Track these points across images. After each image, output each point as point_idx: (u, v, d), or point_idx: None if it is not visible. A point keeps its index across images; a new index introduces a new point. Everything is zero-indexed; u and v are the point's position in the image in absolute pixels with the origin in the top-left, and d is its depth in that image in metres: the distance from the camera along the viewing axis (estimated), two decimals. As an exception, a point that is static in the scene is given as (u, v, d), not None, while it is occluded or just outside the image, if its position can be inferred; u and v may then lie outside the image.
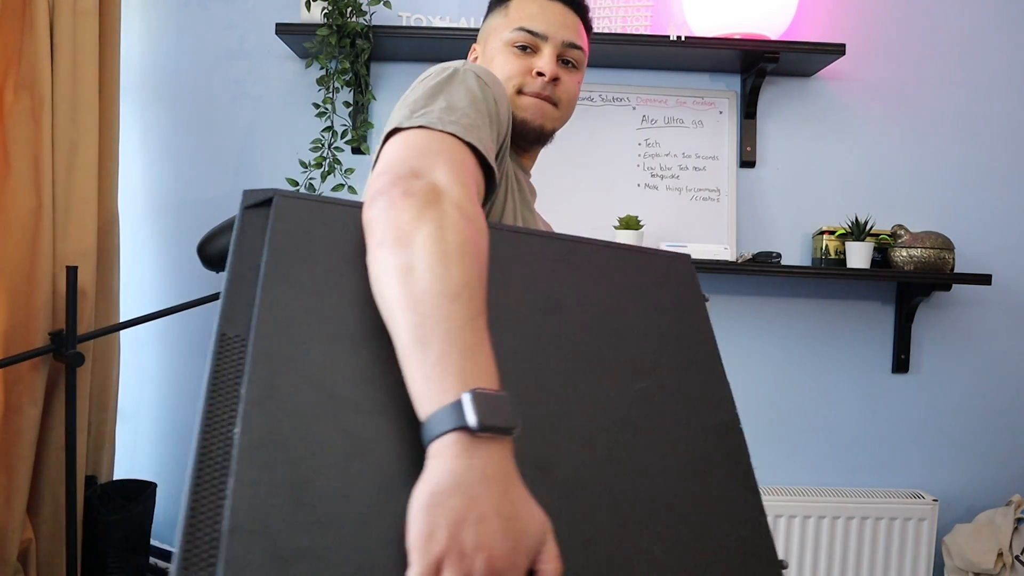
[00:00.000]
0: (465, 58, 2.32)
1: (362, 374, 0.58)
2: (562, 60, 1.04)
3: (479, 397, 0.54)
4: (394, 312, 0.59)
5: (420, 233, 0.62)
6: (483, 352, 0.59)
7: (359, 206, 0.68)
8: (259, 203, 0.65)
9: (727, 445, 0.71)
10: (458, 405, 0.54)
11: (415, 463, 0.55)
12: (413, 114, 0.76)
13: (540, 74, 1.01)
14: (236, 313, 0.57)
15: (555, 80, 1.02)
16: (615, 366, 0.71)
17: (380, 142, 0.76)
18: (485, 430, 0.54)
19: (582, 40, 1.07)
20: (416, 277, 0.59)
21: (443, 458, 0.53)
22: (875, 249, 2.04)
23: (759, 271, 1.98)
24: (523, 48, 1.03)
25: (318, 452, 0.53)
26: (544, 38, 1.02)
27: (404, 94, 0.84)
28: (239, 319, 0.57)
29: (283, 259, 0.61)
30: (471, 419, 0.53)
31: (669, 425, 0.69)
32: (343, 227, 0.66)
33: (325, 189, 2.03)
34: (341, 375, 0.57)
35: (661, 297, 0.79)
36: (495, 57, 1.05)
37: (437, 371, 0.56)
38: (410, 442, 0.56)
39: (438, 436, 0.54)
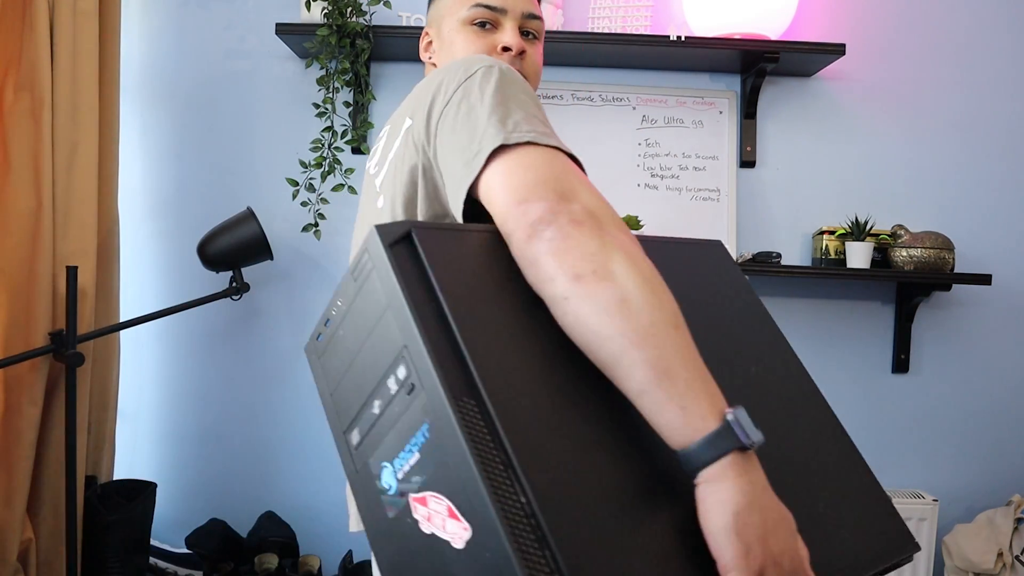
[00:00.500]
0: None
1: (597, 417, 0.60)
2: (523, 32, 1.02)
3: (741, 417, 0.58)
4: (623, 347, 0.58)
5: (616, 264, 0.61)
6: (709, 373, 0.61)
7: (493, 231, 0.67)
8: (400, 238, 0.60)
9: (823, 411, 0.79)
10: (727, 429, 0.57)
11: (675, 491, 0.59)
12: (504, 128, 0.71)
13: (506, 49, 0.99)
14: (451, 372, 0.55)
15: (521, 54, 1.00)
16: (724, 354, 0.74)
17: (480, 160, 0.70)
18: (753, 446, 0.58)
19: (539, 10, 1.05)
20: (635, 309, 0.59)
21: (726, 480, 0.57)
22: (875, 249, 2.04)
23: (759, 271, 1.98)
24: (482, 25, 1.00)
25: (604, 502, 0.55)
26: (503, 12, 1.00)
27: (446, 97, 0.78)
28: (457, 378, 0.55)
29: (463, 303, 0.59)
30: (745, 439, 0.57)
31: (786, 400, 0.76)
32: (492, 256, 0.65)
33: (325, 189, 2.03)
34: (582, 422, 0.59)
35: (718, 283, 0.83)
36: (454, 39, 1.01)
37: (691, 399, 0.58)
38: (660, 473, 0.60)
39: (713, 460, 0.57)
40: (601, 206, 0.66)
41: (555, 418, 0.57)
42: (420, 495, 0.56)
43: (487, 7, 1.00)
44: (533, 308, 0.62)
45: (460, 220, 0.73)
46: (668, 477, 0.60)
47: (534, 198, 0.64)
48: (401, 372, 0.57)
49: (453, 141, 0.75)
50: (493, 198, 0.68)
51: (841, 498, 0.72)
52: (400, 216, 0.83)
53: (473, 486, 0.51)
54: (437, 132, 0.78)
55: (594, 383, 0.61)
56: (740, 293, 0.84)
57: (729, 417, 0.57)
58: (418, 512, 0.56)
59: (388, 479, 0.59)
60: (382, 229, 0.60)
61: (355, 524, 0.92)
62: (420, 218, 0.82)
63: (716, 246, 0.87)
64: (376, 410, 0.60)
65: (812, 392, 0.80)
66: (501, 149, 0.69)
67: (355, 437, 0.63)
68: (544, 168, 0.68)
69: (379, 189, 0.90)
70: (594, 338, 0.59)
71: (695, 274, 0.81)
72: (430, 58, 1.08)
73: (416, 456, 0.56)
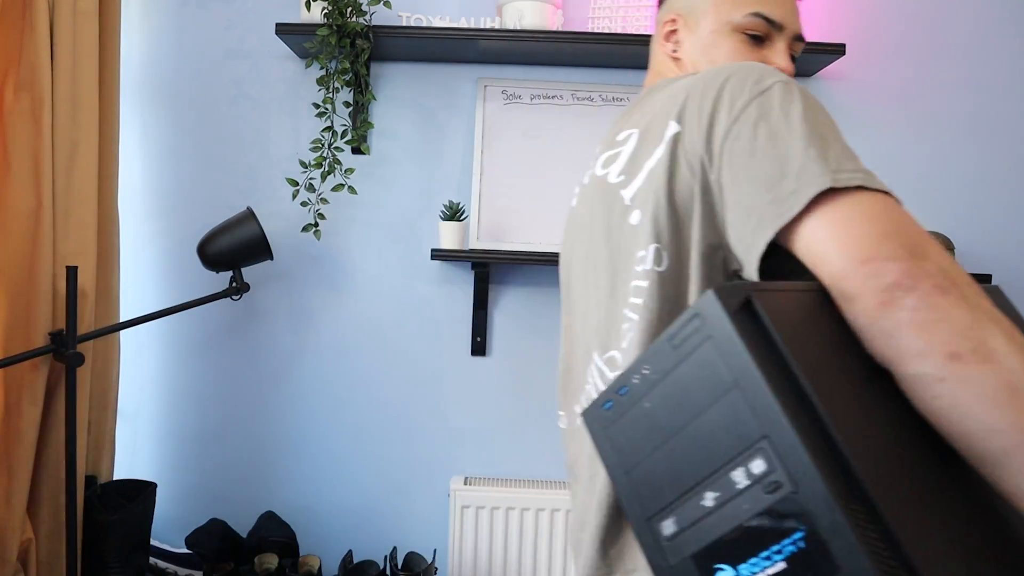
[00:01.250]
0: (467, 56, 2.28)
1: (968, 513, 0.54)
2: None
3: None
4: (1014, 443, 0.52)
5: (994, 341, 0.54)
6: None
7: (818, 289, 0.61)
8: (742, 304, 0.54)
9: None
10: None
11: None
12: (827, 164, 0.63)
13: None
14: (834, 473, 0.49)
15: None
16: None
17: (799, 201, 0.62)
18: None
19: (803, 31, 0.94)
20: None
21: None
22: (875, 249, 2.04)
23: (759, 271, 1.98)
24: (754, 36, 0.90)
25: None
26: (780, 28, 0.90)
27: (734, 112, 0.69)
28: (839, 480, 0.49)
29: (823, 383, 0.53)
30: None
31: None
32: (826, 322, 0.59)
33: (325, 189, 2.03)
34: (959, 520, 0.53)
35: None
36: (717, 42, 0.90)
37: None
38: None
39: None
40: (955, 267, 0.58)
41: (937, 520, 0.51)
42: None
43: (767, 20, 0.89)
44: (875, 383, 0.56)
45: (752, 262, 0.66)
46: None
47: (883, 256, 0.57)
48: (757, 467, 0.51)
49: (752, 169, 0.67)
50: (821, 251, 0.61)
51: None
52: (666, 239, 0.73)
53: None
54: (724, 151, 0.69)
55: (954, 470, 0.55)
56: None
57: None
58: None
59: None
60: (723, 294, 0.53)
61: None
62: (694, 246, 0.73)
63: (995, 293, 0.76)
64: (709, 503, 0.54)
65: None
66: (828, 192, 0.61)
67: (669, 527, 0.57)
68: (886, 219, 0.60)
69: (630, 202, 0.78)
70: (975, 428, 0.53)
71: None
72: (673, 51, 0.96)
73: (782, 566, 0.51)
